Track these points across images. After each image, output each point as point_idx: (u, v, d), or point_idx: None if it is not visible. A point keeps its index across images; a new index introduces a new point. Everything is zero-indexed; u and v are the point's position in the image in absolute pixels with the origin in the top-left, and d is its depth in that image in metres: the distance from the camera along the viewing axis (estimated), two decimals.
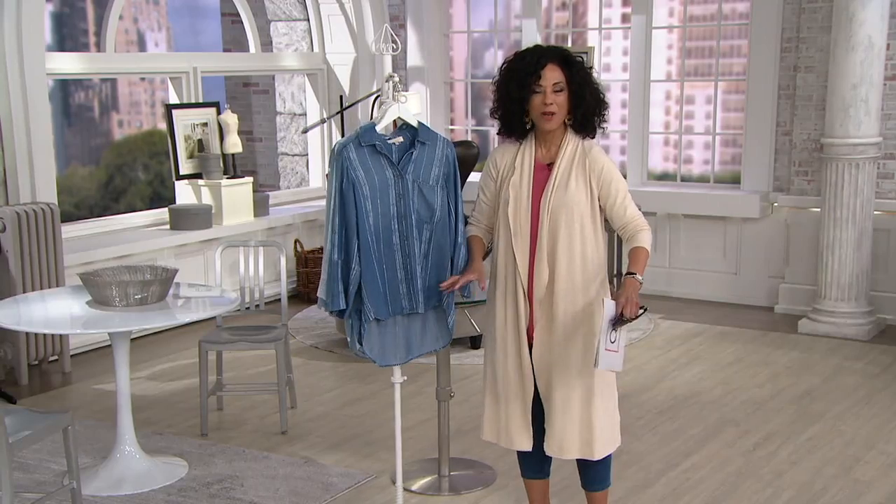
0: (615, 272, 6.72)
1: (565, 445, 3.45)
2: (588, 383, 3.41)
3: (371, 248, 3.52)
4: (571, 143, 3.40)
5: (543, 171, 3.41)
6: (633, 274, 3.33)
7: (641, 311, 3.30)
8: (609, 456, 3.57)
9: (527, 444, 3.53)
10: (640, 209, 3.49)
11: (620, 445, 3.60)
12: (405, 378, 3.89)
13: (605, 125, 3.45)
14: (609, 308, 3.27)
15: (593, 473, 3.60)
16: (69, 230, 6.51)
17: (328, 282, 3.51)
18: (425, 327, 3.71)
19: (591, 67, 3.45)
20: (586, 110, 3.37)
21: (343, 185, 3.48)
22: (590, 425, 3.42)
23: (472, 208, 3.65)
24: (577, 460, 3.59)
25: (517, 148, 3.47)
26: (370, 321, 3.57)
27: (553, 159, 3.41)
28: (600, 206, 3.41)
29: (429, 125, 3.69)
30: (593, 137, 3.45)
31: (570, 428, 3.43)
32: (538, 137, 3.44)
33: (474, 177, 6.74)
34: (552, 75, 3.31)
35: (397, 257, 3.58)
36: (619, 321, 3.27)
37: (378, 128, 3.58)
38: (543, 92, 3.31)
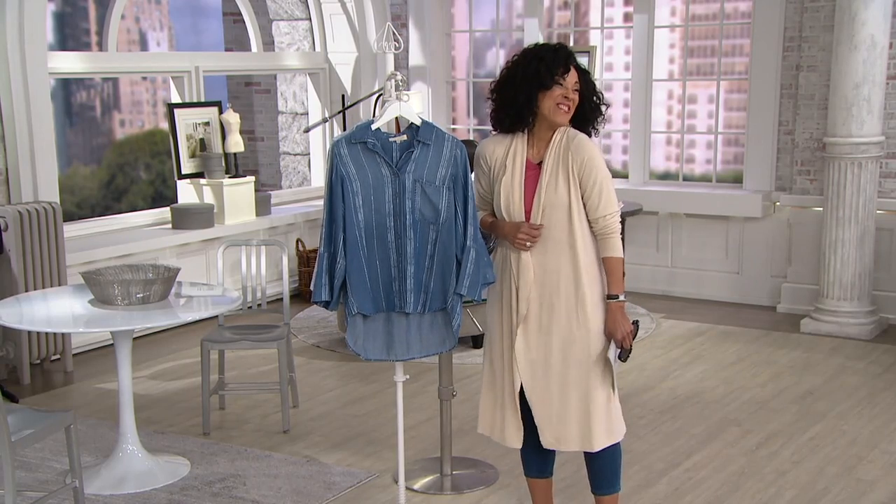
0: None
1: (562, 438, 3.46)
2: (585, 375, 3.42)
3: (358, 243, 3.55)
4: (559, 140, 3.41)
5: (534, 169, 3.44)
6: (615, 297, 3.40)
7: (635, 330, 3.45)
8: (618, 458, 3.57)
9: (517, 442, 3.54)
10: (622, 207, 3.54)
11: (622, 445, 3.59)
12: (407, 377, 3.90)
13: (597, 130, 3.51)
14: (612, 352, 3.43)
15: (600, 476, 3.58)
16: (71, 229, 6.52)
17: (316, 273, 3.61)
18: (420, 327, 3.67)
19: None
20: (587, 116, 3.45)
21: (332, 179, 3.55)
22: (588, 416, 3.42)
23: None
24: (586, 462, 3.60)
25: (508, 143, 3.48)
26: (353, 315, 3.61)
27: (542, 158, 3.43)
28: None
29: (437, 125, 3.68)
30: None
31: (567, 419, 3.44)
32: (531, 137, 3.45)
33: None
34: (574, 75, 3.40)
35: (392, 255, 3.58)
36: (623, 353, 3.44)
37: (375, 125, 3.59)
38: (566, 87, 3.36)
